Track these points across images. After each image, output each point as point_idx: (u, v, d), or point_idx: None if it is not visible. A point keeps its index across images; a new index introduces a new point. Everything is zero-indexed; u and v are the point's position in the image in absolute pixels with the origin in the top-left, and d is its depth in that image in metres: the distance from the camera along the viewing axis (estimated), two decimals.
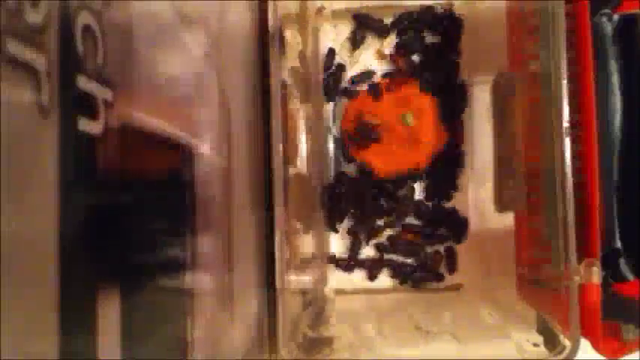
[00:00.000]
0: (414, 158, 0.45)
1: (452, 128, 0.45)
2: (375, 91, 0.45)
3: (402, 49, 0.46)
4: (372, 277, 0.46)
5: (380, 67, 0.47)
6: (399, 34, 0.46)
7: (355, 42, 0.46)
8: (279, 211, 0.33)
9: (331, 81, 0.46)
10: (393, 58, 0.46)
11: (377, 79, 0.46)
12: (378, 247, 0.46)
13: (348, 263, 0.46)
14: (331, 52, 0.46)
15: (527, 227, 0.38)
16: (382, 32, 0.46)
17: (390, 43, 0.47)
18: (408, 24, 0.46)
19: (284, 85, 0.35)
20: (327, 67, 0.46)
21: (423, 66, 0.46)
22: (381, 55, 0.47)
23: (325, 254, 0.46)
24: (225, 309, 0.32)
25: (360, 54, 0.47)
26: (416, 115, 0.44)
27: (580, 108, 0.32)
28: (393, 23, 0.46)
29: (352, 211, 0.46)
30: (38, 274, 0.15)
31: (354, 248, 0.46)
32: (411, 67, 0.46)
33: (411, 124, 0.44)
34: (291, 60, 0.38)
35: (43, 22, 0.15)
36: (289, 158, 0.35)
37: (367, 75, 0.46)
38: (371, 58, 0.47)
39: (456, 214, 0.46)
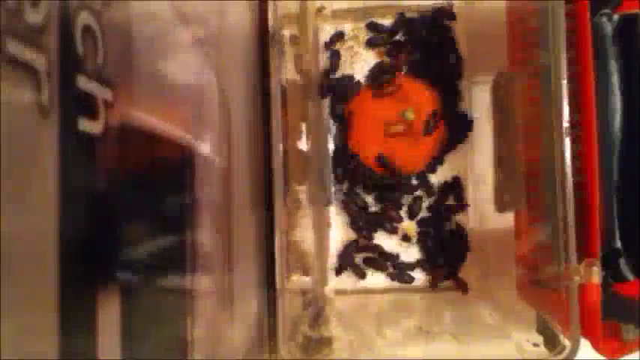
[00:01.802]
0: (415, 154, 0.44)
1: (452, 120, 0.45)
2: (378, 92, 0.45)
3: (400, 47, 0.46)
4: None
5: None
6: (397, 33, 0.46)
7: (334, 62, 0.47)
8: (279, 210, 0.33)
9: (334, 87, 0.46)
10: (391, 54, 0.46)
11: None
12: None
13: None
14: (336, 55, 0.46)
15: (527, 227, 0.38)
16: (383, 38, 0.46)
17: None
18: (408, 23, 0.46)
19: (283, 86, 0.35)
20: (333, 70, 0.46)
21: (423, 61, 0.46)
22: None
23: (325, 254, 0.46)
24: (225, 309, 0.32)
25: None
26: (416, 110, 0.44)
27: (580, 108, 0.32)
28: (394, 23, 0.46)
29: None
30: (38, 274, 0.15)
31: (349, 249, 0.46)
32: (409, 63, 0.46)
33: (412, 119, 0.44)
34: (291, 60, 0.38)
35: (43, 22, 0.15)
36: (289, 158, 0.35)
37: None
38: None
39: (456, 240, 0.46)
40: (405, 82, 0.45)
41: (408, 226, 0.46)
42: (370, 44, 0.46)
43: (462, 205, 0.45)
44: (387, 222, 0.46)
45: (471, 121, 0.45)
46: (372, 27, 0.47)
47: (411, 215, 0.46)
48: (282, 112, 0.34)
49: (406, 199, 0.46)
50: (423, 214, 0.46)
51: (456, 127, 0.45)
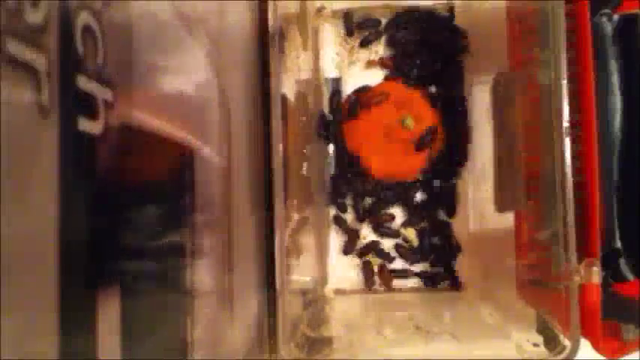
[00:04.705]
0: (412, 162, 0.44)
1: (452, 134, 0.45)
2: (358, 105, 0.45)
3: (392, 51, 0.46)
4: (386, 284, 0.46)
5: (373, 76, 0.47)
6: (395, 35, 0.46)
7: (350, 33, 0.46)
8: (279, 211, 0.33)
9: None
10: (381, 61, 0.46)
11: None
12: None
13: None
14: (335, 82, 0.47)
15: (527, 227, 0.38)
16: (377, 34, 0.46)
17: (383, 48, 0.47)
18: (406, 25, 0.46)
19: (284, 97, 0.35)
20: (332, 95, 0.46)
21: (424, 71, 0.46)
22: (371, 63, 0.47)
23: (325, 254, 0.46)
24: (225, 309, 0.32)
25: (357, 59, 0.47)
26: (416, 119, 0.44)
27: (580, 108, 0.32)
28: (389, 24, 0.46)
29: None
30: (38, 274, 0.15)
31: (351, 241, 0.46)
32: (399, 67, 0.46)
33: (411, 128, 0.44)
34: (291, 60, 0.38)
35: (43, 22, 0.15)
36: (290, 158, 0.35)
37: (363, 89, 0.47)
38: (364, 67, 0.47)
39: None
40: (403, 88, 0.45)
41: (408, 231, 0.46)
42: (363, 44, 0.47)
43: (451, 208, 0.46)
44: (384, 226, 0.46)
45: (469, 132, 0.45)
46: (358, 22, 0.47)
47: (409, 223, 0.46)
48: (282, 112, 0.34)
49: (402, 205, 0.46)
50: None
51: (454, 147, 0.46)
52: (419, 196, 0.46)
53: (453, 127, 0.45)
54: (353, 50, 0.47)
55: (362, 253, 0.46)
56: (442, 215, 0.46)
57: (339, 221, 0.46)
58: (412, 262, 0.46)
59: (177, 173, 0.26)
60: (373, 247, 0.46)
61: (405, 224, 0.46)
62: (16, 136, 0.14)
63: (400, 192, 0.46)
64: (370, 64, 0.47)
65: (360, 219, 0.46)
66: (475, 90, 0.45)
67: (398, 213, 0.46)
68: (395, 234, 0.46)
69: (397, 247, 0.46)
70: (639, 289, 0.32)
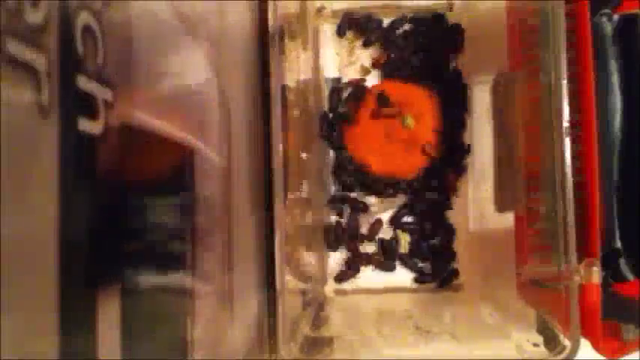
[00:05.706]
0: (412, 161, 0.44)
1: (452, 133, 0.45)
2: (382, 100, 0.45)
3: (392, 51, 0.46)
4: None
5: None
6: (395, 35, 0.46)
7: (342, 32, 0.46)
8: (279, 211, 0.33)
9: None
10: (375, 61, 0.46)
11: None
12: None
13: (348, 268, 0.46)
14: (335, 81, 0.46)
15: (527, 227, 0.38)
16: (378, 36, 0.46)
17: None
18: (406, 25, 0.46)
19: (284, 87, 0.35)
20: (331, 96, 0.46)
21: (424, 68, 0.46)
22: (365, 71, 0.47)
23: (325, 254, 0.46)
24: (225, 309, 0.32)
25: (356, 57, 0.47)
26: (416, 118, 0.44)
27: (580, 108, 0.32)
28: (390, 25, 0.46)
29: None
30: (38, 274, 0.15)
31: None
32: (399, 66, 0.46)
33: (411, 127, 0.44)
34: (291, 60, 0.38)
35: (43, 22, 0.15)
36: (290, 159, 0.35)
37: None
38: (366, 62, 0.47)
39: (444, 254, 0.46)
40: (403, 88, 0.45)
41: (403, 236, 0.46)
42: (365, 44, 0.47)
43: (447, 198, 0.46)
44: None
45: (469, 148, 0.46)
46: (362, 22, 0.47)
47: (396, 225, 0.46)
48: (282, 112, 0.34)
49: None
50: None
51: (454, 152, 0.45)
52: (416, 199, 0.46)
53: (452, 133, 0.45)
54: (353, 50, 0.47)
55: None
56: (440, 217, 0.46)
57: (339, 221, 0.46)
58: (414, 270, 0.46)
59: (177, 173, 0.26)
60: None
61: (398, 226, 0.46)
62: (16, 136, 0.14)
63: (397, 192, 0.46)
64: (365, 72, 0.47)
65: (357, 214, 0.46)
66: (475, 90, 0.45)
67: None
68: (389, 243, 0.46)
69: (398, 257, 0.46)
70: (639, 289, 0.32)
